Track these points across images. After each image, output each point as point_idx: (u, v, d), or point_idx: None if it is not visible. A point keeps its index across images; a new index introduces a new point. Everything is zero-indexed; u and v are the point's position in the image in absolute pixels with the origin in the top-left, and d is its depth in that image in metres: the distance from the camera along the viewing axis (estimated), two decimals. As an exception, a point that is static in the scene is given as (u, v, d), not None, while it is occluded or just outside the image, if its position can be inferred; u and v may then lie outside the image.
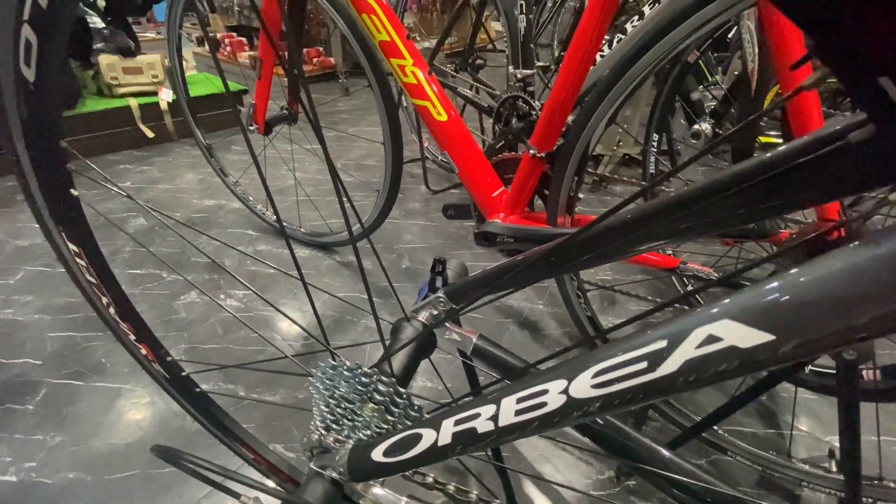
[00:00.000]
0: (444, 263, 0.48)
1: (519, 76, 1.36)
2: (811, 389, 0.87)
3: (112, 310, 0.54)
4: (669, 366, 0.18)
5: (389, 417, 0.35)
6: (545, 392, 0.21)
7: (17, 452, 0.85)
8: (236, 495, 0.39)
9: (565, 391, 0.21)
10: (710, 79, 1.58)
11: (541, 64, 2.26)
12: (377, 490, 0.33)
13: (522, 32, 1.43)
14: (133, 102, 2.14)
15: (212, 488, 0.81)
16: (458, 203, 1.15)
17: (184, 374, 0.61)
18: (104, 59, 2.10)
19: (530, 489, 0.83)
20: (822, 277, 0.15)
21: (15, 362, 1.03)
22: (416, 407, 0.34)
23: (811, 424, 0.93)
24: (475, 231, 0.89)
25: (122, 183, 1.86)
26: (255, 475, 0.78)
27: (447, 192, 1.89)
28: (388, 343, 0.46)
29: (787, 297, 0.16)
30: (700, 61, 1.38)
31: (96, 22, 2.21)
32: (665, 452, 0.39)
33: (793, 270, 0.16)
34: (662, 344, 0.18)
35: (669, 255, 0.82)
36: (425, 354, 0.46)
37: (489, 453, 0.74)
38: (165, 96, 2.20)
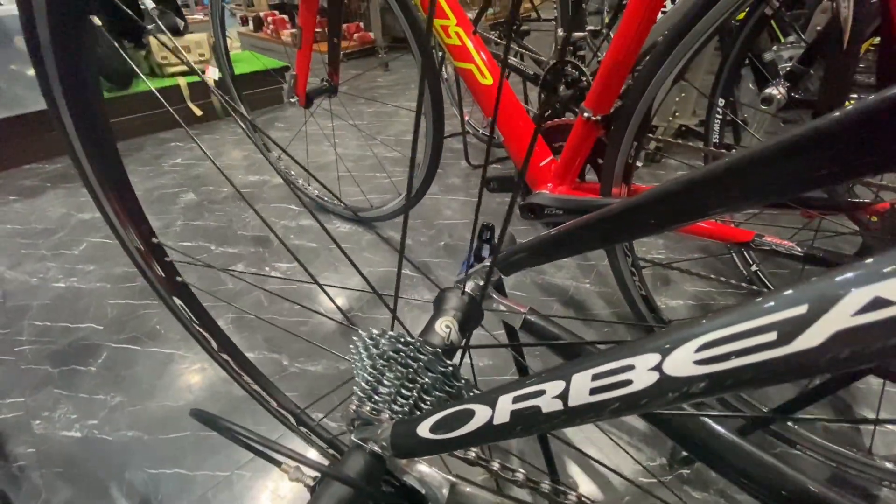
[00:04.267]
0: (491, 230, 0.45)
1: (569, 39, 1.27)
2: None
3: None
4: (811, 338, 0.14)
5: (438, 395, 0.32)
6: (630, 368, 0.18)
7: (82, 410, 0.90)
8: (277, 463, 0.38)
9: (658, 367, 0.17)
10: (782, 39, 1.42)
11: (591, 28, 2.12)
12: (422, 467, 0.31)
13: (573, -8, 1.33)
14: (182, 81, 2.20)
15: (257, 453, 0.84)
16: (501, 175, 1.10)
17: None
18: (154, 39, 2.15)
19: (574, 469, 0.80)
20: None
21: (80, 326, 1.10)
22: (466, 383, 0.31)
23: None
24: (520, 203, 0.85)
25: (172, 160, 1.93)
26: (296, 446, 0.79)
27: (489, 166, 1.83)
28: (433, 314, 0.43)
29: None
30: (772, 19, 1.23)
31: (147, 3, 2.27)
32: (741, 442, 0.34)
33: None
34: (800, 310, 0.14)
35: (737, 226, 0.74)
36: (471, 327, 0.43)
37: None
38: (212, 74, 2.24)
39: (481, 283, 0.44)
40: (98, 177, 0.41)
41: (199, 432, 0.86)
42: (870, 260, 0.14)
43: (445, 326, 0.39)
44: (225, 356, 0.60)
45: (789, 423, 0.76)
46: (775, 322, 0.15)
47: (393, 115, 2.37)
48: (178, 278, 0.53)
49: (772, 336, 0.15)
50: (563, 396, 0.20)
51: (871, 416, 0.84)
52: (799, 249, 0.57)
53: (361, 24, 3.67)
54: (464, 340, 0.40)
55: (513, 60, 1.52)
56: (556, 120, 0.89)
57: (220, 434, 0.34)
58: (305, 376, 0.98)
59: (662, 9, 0.93)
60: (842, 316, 0.13)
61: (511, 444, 0.84)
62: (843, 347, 0.13)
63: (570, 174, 0.82)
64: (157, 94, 0.44)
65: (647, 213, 0.31)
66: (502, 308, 0.45)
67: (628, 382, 0.18)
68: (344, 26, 3.63)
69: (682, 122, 1.93)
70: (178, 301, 0.53)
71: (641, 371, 0.17)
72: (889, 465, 0.70)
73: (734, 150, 1.30)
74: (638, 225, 0.33)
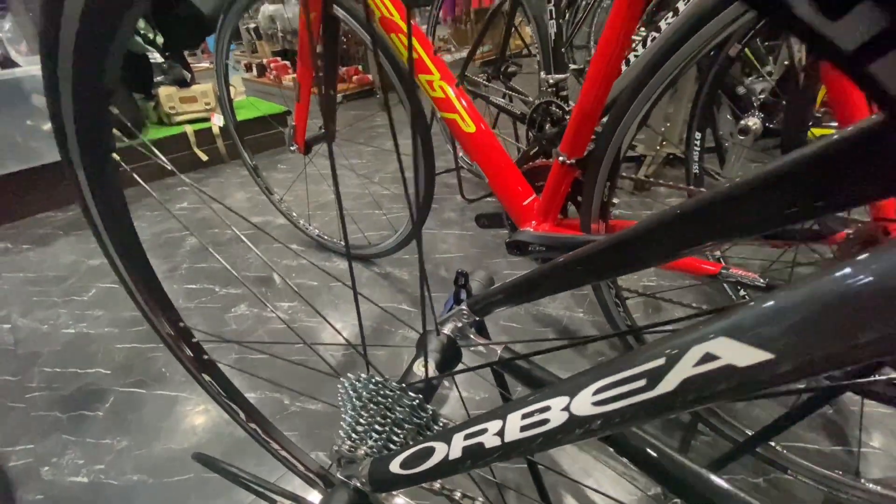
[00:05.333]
0: (466, 276, 0.49)
1: (551, 81, 1.35)
2: (883, 402, 0.79)
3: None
4: (667, 384, 0.18)
5: (409, 427, 0.35)
6: (548, 409, 0.21)
7: (89, 455, 0.93)
8: (273, 501, 0.41)
9: (567, 408, 0.21)
10: (760, 69, 1.49)
11: (575, 67, 2.22)
12: (399, 500, 0.34)
13: (553, 37, 1.42)
14: (189, 129, 2.31)
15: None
16: (491, 212, 1.15)
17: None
18: (163, 91, 2.28)
19: (569, 501, 0.81)
20: (822, 293, 0.15)
21: (88, 371, 1.13)
22: (439, 421, 0.35)
23: (885, 441, 0.85)
24: (507, 241, 0.89)
25: (179, 204, 2.01)
26: (290, 486, 0.81)
27: (482, 200, 1.89)
28: (413, 356, 0.46)
29: (785, 313, 0.15)
30: (747, 52, 1.30)
31: (156, 57, 2.41)
32: (713, 478, 0.36)
33: (790, 285, 0.16)
34: (660, 362, 0.18)
35: (710, 260, 0.78)
36: (450, 367, 0.46)
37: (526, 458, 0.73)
38: (217, 122, 2.36)
39: (459, 325, 0.48)
40: (132, 278, 0.49)
41: (202, 475, 0.88)
42: (708, 320, 0.18)
43: (422, 366, 0.43)
44: (253, 425, 0.64)
45: (778, 448, 0.77)
46: (644, 371, 0.18)
47: (390, 153, 2.45)
48: (205, 357, 0.57)
49: (642, 382, 0.18)
50: (501, 433, 0.23)
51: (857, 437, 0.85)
52: (761, 281, 0.60)
53: (360, 68, 3.84)
54: (438, 375, 0.44)
55: (501, 101, 1.61)
56: (537, 162, 0.94)
57: (220, 475, 0.38)
58: (306, 415, 1.00)
59: (635, 53, 1.00)
60: (686, 367, 0.17)
61: (508, 478, 0.85)
62: (690, 392, 0.17)
63: (551, 212, 0.87)
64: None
65: (617, 254, 0.33)
66: (480, 349, 0.48)
67: (546, 421, 0.21)
68: (342, 69, 3.81)
69: (669, 151, 2.00)
70: (206, 377, 0.58)
71: (556, 411, 0.21)
72: (878, 489, 0.71)
73: (715, 178, 1.36)
74: (609, 266, 0.36)
